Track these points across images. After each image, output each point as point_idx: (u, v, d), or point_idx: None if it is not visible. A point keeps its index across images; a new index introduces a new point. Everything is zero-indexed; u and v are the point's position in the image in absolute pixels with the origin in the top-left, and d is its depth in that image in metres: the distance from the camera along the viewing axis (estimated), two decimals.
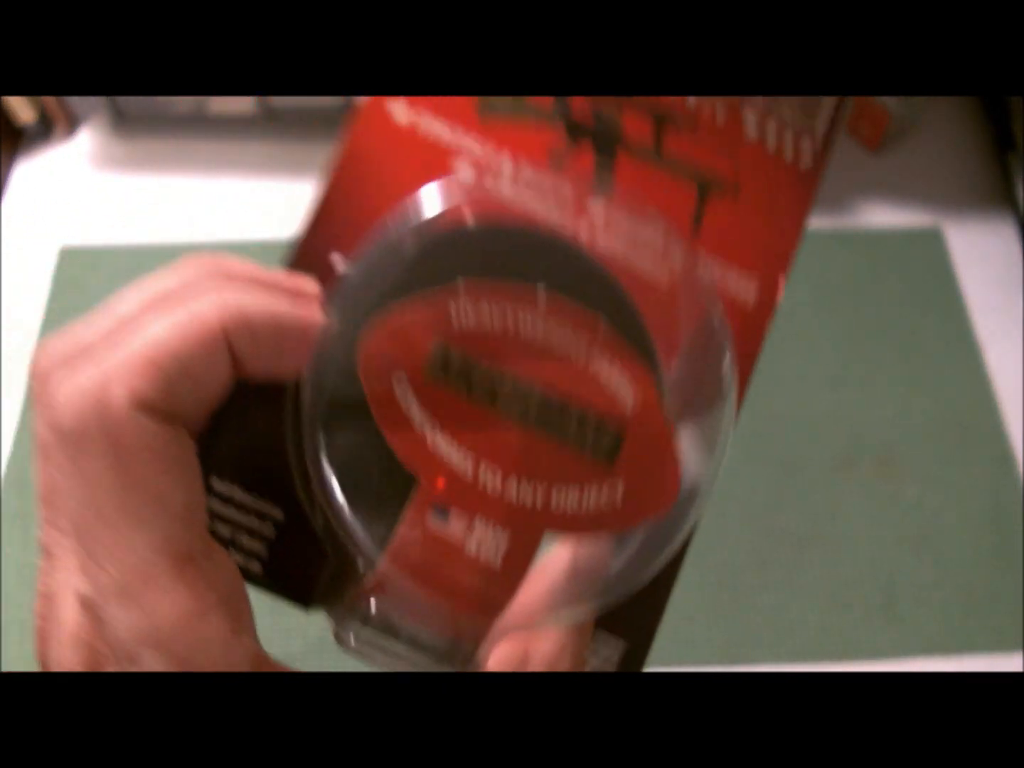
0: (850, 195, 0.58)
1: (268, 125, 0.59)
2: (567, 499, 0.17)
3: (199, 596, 0.16)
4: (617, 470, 0.17)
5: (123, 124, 0.59)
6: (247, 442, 0.18)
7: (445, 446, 0.17)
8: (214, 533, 0.18)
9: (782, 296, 0.20)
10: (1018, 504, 0.48)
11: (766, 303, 0.20)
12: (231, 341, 0.16)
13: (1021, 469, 0.49)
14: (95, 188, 0.58)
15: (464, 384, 0.17)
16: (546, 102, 0.21)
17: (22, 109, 0.57)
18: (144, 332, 0.16)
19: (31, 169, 0.58)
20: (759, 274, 0.20)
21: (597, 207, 0.20)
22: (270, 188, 0.57)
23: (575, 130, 0.21)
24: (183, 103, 0.57)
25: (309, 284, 0.19)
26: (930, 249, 0.56)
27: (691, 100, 0.21)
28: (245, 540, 0.18)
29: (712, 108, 0.22)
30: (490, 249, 0.18)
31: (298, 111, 0.57)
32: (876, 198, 0.58)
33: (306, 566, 0.18)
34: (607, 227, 0.19)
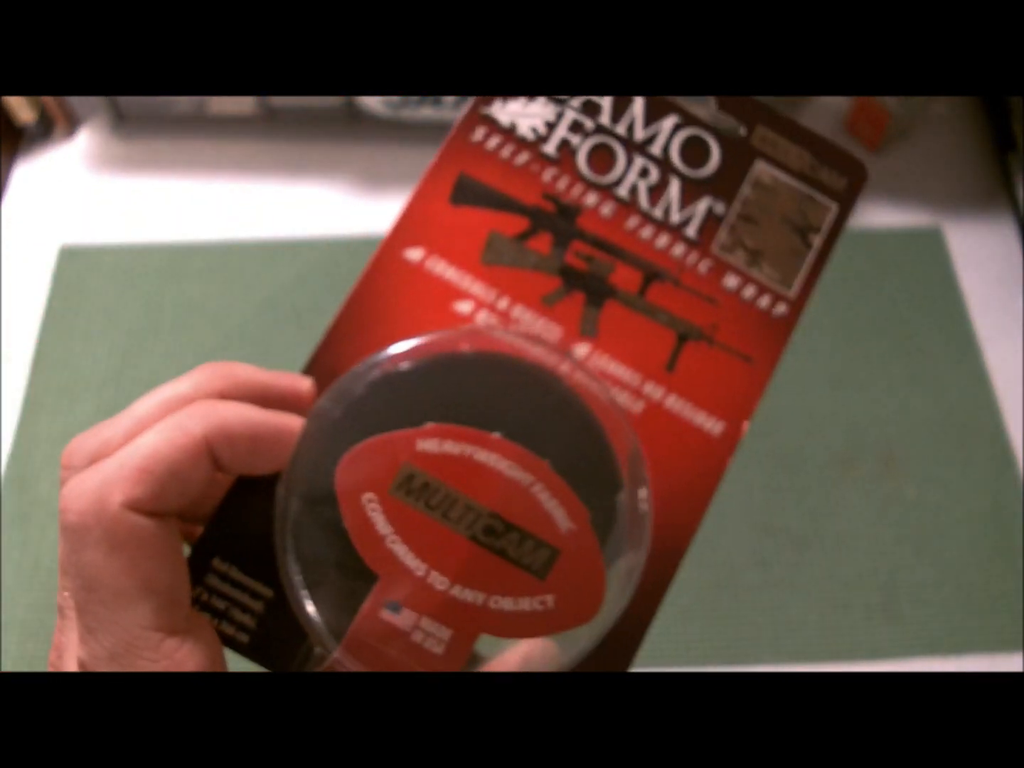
0: None
1: (268, 125, 0.59)
2: (503, 605, 0.20)
3: (178, 667, 0.18)
4: (548, 584, 0.20)
5: (123, 124, 0.59)
6: (245, 529, 0.21)
7: (404, 553, 0.20)
8: (210, 606, 0.21)
9: (745, 431, 0.23)
10: (1018, 504, 0.48)
11: (730, 438, 0.23)
12: (212, 447, 0.19)
13: (1021, 469, 0.49)
14: (95, 188, 0.58)
15: (423, 502, 0.20)
16: (545, 250, 0.24)
17: (22, 109, 0.57)
18: (139, 442, 0.19)
19: (31, 169, 0.58)
20: (725, 419, 0.23)
21: (581, 347, 0.23)
22: (270, 188, 0.57)
23: (569, 276, 0.24)
24: (183, 103, 0.57)
25: (304, 383, 0.22)
26: (930, 249, 0.56)
27: (678, 253, 0.24)
28: (237, 614, 0.21)
29: (696, 265, 0.25)
30: (480, 374, 0.21)
31: (298, 111, 0.57)
32: (876, 198, 0.58)
33: (287, 641, 0.21)
34: (589, 364, 0.23)
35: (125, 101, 0.57)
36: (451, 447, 0.20)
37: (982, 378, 0.52)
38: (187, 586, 0.20)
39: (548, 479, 0.20)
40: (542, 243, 0.24)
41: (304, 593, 0.20)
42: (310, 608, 0.20)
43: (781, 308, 0.25)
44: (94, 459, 0.19)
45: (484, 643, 0.20)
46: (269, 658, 0.21)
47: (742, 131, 0.25)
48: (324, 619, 0.20)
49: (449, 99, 0.55)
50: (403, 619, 0.19)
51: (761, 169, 0.25)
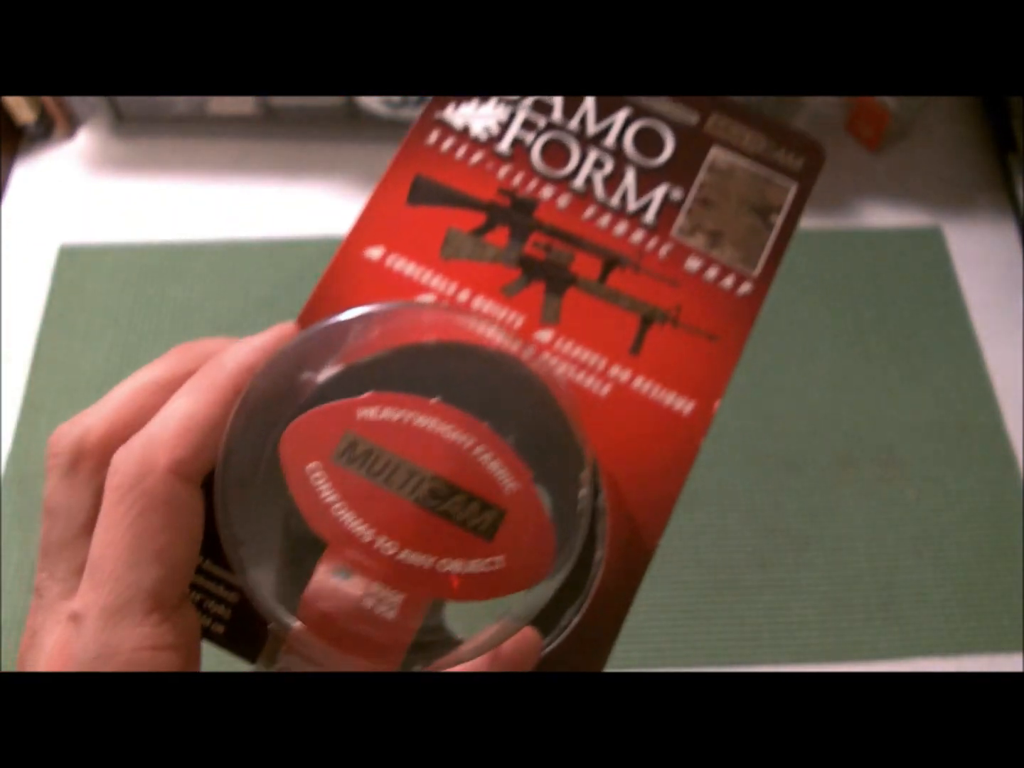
0: (850, 195, 0.58)
1: (268, 125, 0.59)
2: (453, 568, 0.20)
3: (159, 636, 0.19)
4: (497, 545, 0.20)
5: (123, 124, 0.59)
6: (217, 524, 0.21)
7: (350, 520, 0.19)
8: None
9: (717, 409, 0.23)
10: (1018, 504, 0.48)
11: (702, 417, 0.23)
12: (239, 388, 0.20)
13: (1021, 469, 0.49)
14: (95, 188, 0.58)
15: (366, 469, 0.20)
16: (502, 243, 0.24)
17: (22, 109, 0.57)
18: (173, 406, 0.20)
19: (31, 169, 0.58)
20: (696, 399, 0.23)
21: (545, 333, 0.24)
22: (270, 188, 0.57)
23: (528, 266, 0.24)
24: (183, 103, 0.57)
25: (286, 328, 0.23)
26: (930, 249, 0.56)
27: (637, 239, 0.25)
28: (212, 605, 0.21)
29: (656, 250, 0.25)
30: (444, 362, 0.22)
31: (298, 111, 0.57)
32: (876, 198, 0.58)
33: (263, 629, 0.21)
34: (552, 350, 0.24)
35: (125, 101, 0.57)
36: (390, 413, 0.20)
37: (982, 378, 0.52)
38: (195, 562, 0.20)
39: (489, 440, 0.20)
40: (499, 236, 0.25)
41: (252, 572, 0.20)
42: (260, 585, 0.20)
43: (746, 287, 0.25)
44: (76, 446, 0.20)
45: (458, 625, 0.20)
46: (242, 647, 0.21)
47: (695, 119, 0.25)
48: (275, 594, 0.20)
49: None
50: (353, 585, 0.19)
51: (716, 154, 0.25)
